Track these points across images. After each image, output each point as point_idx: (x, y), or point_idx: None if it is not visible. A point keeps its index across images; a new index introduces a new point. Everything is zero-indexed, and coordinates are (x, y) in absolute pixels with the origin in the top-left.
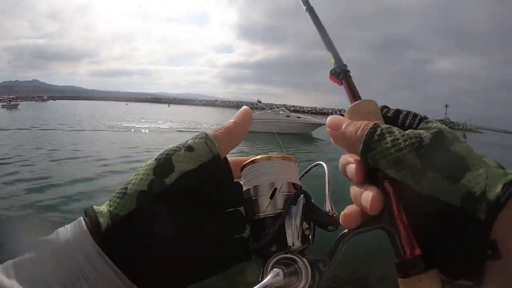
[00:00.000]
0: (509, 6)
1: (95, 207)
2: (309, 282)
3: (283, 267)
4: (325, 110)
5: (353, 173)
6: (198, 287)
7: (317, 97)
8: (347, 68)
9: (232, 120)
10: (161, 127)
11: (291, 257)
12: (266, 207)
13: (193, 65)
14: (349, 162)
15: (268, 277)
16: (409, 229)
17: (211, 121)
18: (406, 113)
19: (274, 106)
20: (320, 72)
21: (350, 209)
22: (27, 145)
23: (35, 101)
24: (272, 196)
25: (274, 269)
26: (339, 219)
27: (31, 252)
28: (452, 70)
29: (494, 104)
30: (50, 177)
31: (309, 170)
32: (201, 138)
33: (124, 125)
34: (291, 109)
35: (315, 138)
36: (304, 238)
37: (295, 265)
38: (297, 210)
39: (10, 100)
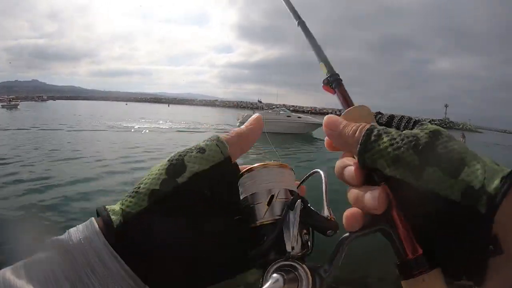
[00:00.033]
0: (509, 6)
1: (107, 206)
2: None
3: (283, 273)
4: (325, 110)
5: (353, 175)
6: None
7: (317, 97)
8: (339, 77)
9: (243, 126)
10: (161, 127)
11: (291, 264)
12: (263, 214)
13: (193, 65)
14: (347, 164)
15: (268, 283)
16: (409, 229)
17: (211, 121)
18: (400, 117)
19: (273, 106)
20: (320, 72)
21: (351, 211)
22: (27, 146)
23: (35, 101)
24: (269, 203)
25: (274, 275)
26: (337, 223)
27: (41, 252)
28: (452, 70)
29: (494, 104)
30: (50, 178)
31: (307, 178)
32: (213, 140)
33: (124, 125)
34: (291, 109)
35: (316, 138)
36: (303, 244)
37: (295, 272)
38: (295, 215)
39: (10, 100)
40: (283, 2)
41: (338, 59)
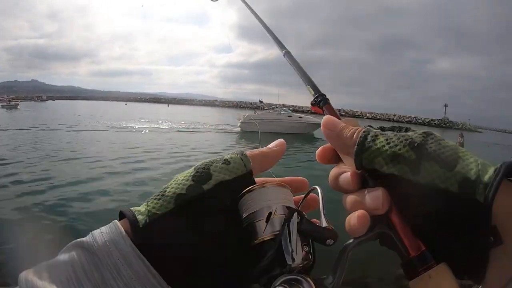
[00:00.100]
0: (509, 6)
1: (132, 208)
2: None
3: (286, 286)
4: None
5: (348, 180)
6: None
7: None
8: (325, 96)
9: (268, 146)
10: (161, 127)
11: (295, 278)
12: (263, 231)
13: (193, 65)
14: (342, 171)
15: None
16: (409, 227)
17: (211, 121)
18: (391, 127)
19: (273, 106)
20: (320, 71)
21: (357, 214)
22: (27, 146)
23: (34, 101)
24: (267, 220)
25: None
26: (336, 232)
27: (64, 254)
28: (452, 70)
29: (494, 104)
30: (50, 178)
31: (306, 196)
32: (238, 154)
33: (124, 125)
34: (291, 108)
35: (317, 138)
36: (304, 256)
37: (300, 286)
38: (292, 228)
39: (10, 100)
40: (268, 35)
41: (338, 59)
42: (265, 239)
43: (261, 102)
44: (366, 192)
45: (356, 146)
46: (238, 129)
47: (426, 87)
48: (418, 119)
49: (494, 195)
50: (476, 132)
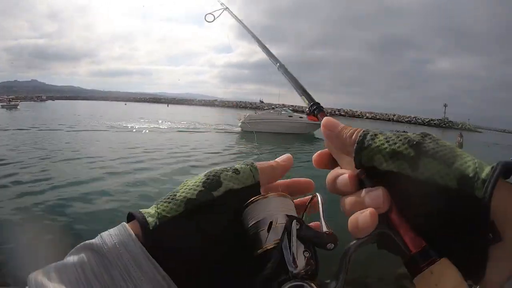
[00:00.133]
0: (509, 6)
1: (141, 210)
2: None
3: None
4: (324, 110)
5: (346, 182)
6: None
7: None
8: (320, 105)
9: (277, 160)
10: (160, 127)
11: (299, 284)
12: (265, 241)
13: (193, 65)
14: (339, 174)
15: None
16: (408, 224)
17: (211, 121)
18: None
19: (273, 106)
20: (320, 71)
21: (366, 212)
22: (27, 146)
23: (34, 101)
24: (269, 229)
25: None
26: (336, 236)
27: (73, 255)
28: (452, 70)
29: (494, 104)
30: (50, 178)
31: (309, 203)
32: (247, 165)
33: (124, 125)
34: (291, 108)
35: (317, 138)
36: (306, 261)
37: None
38: (292, 235)
39: (9, 100)
40: (262, 50)
41: (338, 59)
42: (268, 247)
43: (261, 102)
44: (365, 192)
45: (356, 145)
46: (238, 129)
47: (426, 87)
48: (418, 119)
49: (492, 190)
50: (476, 132)
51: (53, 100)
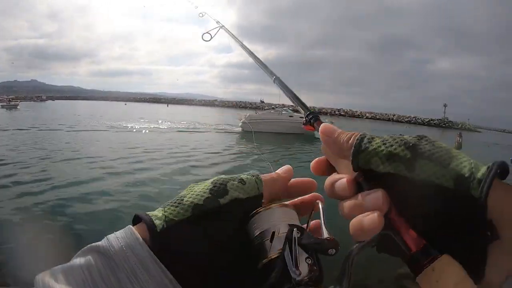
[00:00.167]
0: (509, 6)
1: (148, 212)
2: None
3: None
4: (324, 110)
5: (344, 186)
6: None
7: (317, 96)
8: (316, 114)
9: (276, 172)
10: (160, 127)
11: None
12: (269, 251)
13: (193, 65)
14: (337, 178)
15: None
16: (407, 224)
17: (211, 121)
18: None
19: (273, 106)
20: (320, 72)
21: (373, 214)
22: (27, 146)
23: (34, 101)
24: (271, 239)
25: None
26: (337, 242)
27: (79, 257)
28: (452, 70)
29: (494, 104)
30: (50, 178)
31: (311, 213)
32: (252, 176)
33: (124, 125)
34: (291, 108)
35: (317, 138)
36: (309, 268)
37: None
38: (294, 243)
39: (9, 101)
40: (258, 64)
41: (338, 59)
42: (272, 257)
43: (262, 102)
44: (364, 195)
45: (353, 148)
46: (238, 129)
47: (426, 87)
48: (418, 119)
49: (488, 190)
50: (475, 132)
51: (53, 100)
